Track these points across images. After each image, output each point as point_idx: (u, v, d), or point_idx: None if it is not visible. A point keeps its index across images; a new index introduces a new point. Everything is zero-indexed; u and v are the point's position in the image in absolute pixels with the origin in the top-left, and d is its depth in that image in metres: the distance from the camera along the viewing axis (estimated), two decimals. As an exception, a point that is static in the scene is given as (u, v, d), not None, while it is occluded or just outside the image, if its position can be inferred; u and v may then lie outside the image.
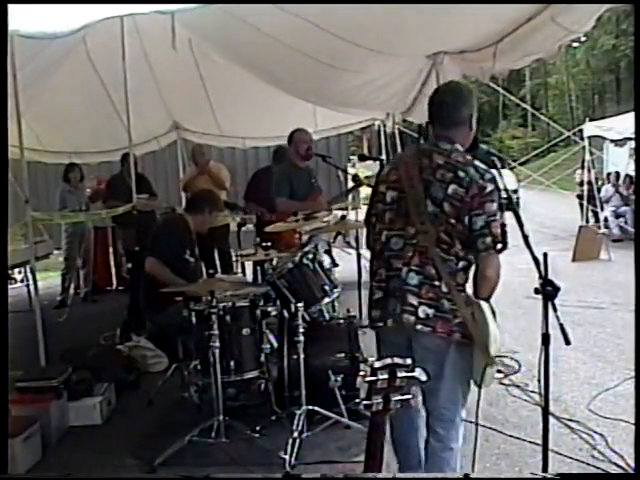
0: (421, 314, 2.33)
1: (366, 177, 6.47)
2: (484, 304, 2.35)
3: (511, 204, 2.58)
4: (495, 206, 2.32)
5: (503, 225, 2.34)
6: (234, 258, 6.77)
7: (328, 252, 5.21)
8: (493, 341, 2.31)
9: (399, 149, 7.99)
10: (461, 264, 2.38)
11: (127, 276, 7.59)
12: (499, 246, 2.33)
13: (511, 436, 3.48)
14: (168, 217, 4.53)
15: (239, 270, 6.75)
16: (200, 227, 4.42)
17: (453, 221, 2.33)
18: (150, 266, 4.10)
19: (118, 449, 3.49)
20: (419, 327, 2.33)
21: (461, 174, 2.32)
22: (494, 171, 2.43)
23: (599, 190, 11.84)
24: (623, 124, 10.53)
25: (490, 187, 2.32)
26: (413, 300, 2.34)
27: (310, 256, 3.88)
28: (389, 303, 2.40)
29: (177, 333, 3.93)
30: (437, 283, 2.34)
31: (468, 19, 3.68)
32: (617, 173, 12.37)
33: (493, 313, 2.37)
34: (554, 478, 1.46)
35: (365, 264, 6.19)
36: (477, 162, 2.39)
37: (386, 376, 1.58)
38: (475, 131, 2.58)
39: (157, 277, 4.01)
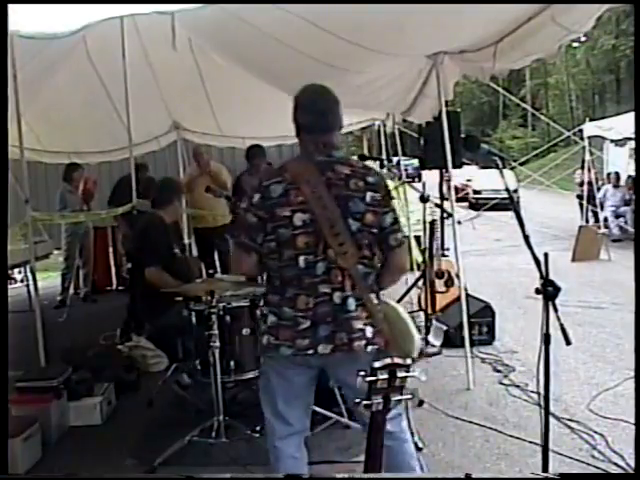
0: (369, 334, 2.25)
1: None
2: (393, 302, 2.39)
3: (512, 204, 2.58)
4: (394, 201, 2.36)
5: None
6: None
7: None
8: (415, 335, 2.39)
9: (399, 149, 8.00)
10: (376, 272, 2.33)
11: (127, 276, 7.59)
12: (405, 239, 2.36)
13: (511, 436, 3.48)
14: (143, 222, 4.51)
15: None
16: (174, 217, 4.50)
17: (375, 230, 2.27)
18: (150, 276, 4.08)
19: (118, 449, 3.50)
20: (369, 349, 2.24)
21: (370, 179, 2.27)
22: (495, 171, 2.43)
23: (599, 190, 11.84)
24: (623, 124, 10.52)
25: (386, 184, 2.34)
26: (359, 324, 2.24)
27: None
28: (319, 331, 2.22)
29: (177, 333, 3.93)
30: (367, 299, 2.27)
31: (468, 19, 3.68)
32: (617, 173, 12.37)
33: None
34: (554, 478, 1.46)
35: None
36: (368, 165, 2.41)
37: (386, 376, 1.58)
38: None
39: (159, 286, 3.99)
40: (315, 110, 2.32)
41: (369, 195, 2.24)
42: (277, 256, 2.26)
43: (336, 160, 2.29)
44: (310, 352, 2.22)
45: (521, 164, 14.91)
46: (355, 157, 6.15)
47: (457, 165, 4.84)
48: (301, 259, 2.23)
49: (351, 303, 2.24)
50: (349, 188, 2.23)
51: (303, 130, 2.33)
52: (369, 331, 2.25)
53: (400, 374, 1.59)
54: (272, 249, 2.26)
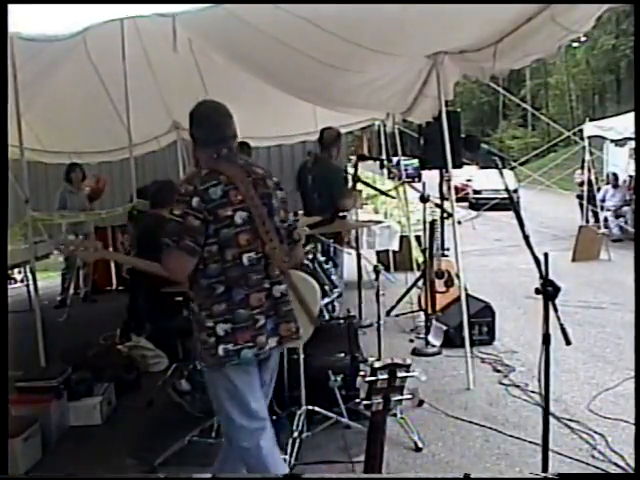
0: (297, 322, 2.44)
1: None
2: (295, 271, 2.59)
3: (512, 204, 2.58)
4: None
5: None
6: None
7: (328, 252, 5.23)
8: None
9: (399, 149, 8.00)
10: None
11: (127, 276, 7.59)
12: None
13: (511, 436, 3.48)
14: (149, 221, 4.48)
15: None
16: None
17: (285, 225, 2.51)
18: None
19: (118, 449, 3.50)
20: (300, 332, 2.47)
21: (275, 179, 2.50)
22: (495, 171, 2.44)
23: (599, 190, 11.84)
24: (623, 124, 10.51)
25: None
26: (295, 313, 2.44)
27: (310, 256, 3.89)
28: (267, 325, 2.33)
29: (178, 333, 3.93)
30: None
31: (468, 19, 3.68)
32: (615, 174, 12.37)
33: None
34: (554, 478, 1.46)
35: (365, 264, 6.21)
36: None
37: (386, 376, 1.58)
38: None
39: (181, 271, 3.95)
40: (209, 124, 2.43)
41: (279, 193, 2.48)
42: (219, 258, 2.29)
43: (251, 163, 2.51)
44: (267, 348, 2.34)
45: (521, 164, 14.92)
46: (354, 157, 6.19)
47: (457, 165, 4.84)
48: (245, 257, 2.31)
49: (287, 294, 2.42)
50: (268, 187, 2.43)
51: (199, 144, 2.45)
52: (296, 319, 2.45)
53: (400, 374, 1.59)
54: (213, 252, 2.29)
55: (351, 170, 5.68)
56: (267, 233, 2.33)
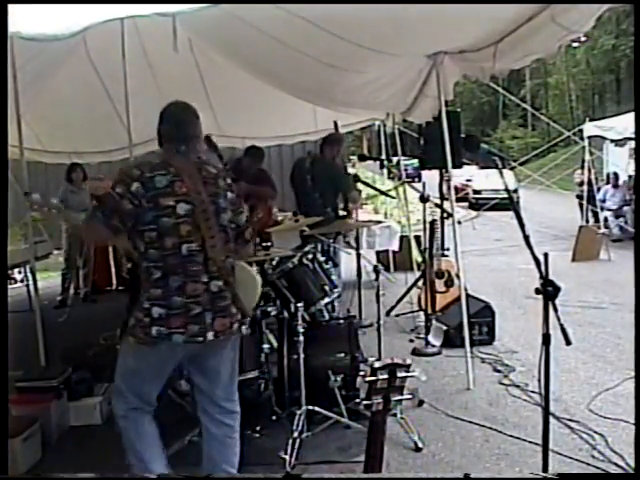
0: (239, 317, 2.54)
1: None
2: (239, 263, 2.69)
3: (512, 204, 2.59)
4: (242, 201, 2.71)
5: None
6: None
7: (328, 252, 5.24)
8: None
9: (399, 149, 8.00)
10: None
11: (127, 276, 7.58)
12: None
13: (511, 436, 3.48)
14: None
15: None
16: None
17: (234, 226, 2.60)
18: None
19: (118, 449, 3.48)
20: (243, 328, 2.59)
21: (228, 180, 2.61)
22: (495, 171, 2.44)
23: (599, 190, 11.84)
24: (623, 124, 10.52)
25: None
26: (233, 309, 2.52)
27: (310, 256, 3.89)
28: (206, 317, 2.42)
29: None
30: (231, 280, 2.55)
31: (468, 19, 3.68)
32: (615, 174, 12.37)
33: None
34: (554, 478, 1.46)
35: (365, 264, 6.21)
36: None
37: (386, 376, 1.58)
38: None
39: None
40: (174, 121, 2.56)
41: (229, 194, 2.57)
42: (159, 245, 2.40)
43: (205, 161, 2.59)
44: (200, 339, 2.41)
45: (521, 164, 14.89)
46: (355, 157, 6.19)
47: (457, 165, 4.84)
48: (184, 247, 2.40)
49: (227, 290, 2.49)
50: (218, 186, 2.53)
51: (164, 139, 2.57)
52: (239, 313, 2.54)
53: (400, 374, 1.59)
54: (153, 238, 2.39)
55: (351, 170, 5.70)
56: (209, 229, 2.43)
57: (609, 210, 11.69)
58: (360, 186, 5.71)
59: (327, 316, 4.11)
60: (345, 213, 5.61)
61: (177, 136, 2.53)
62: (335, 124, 5.85)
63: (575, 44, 32.47)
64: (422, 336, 5.33)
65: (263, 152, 6.07)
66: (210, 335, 2.43)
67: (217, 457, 2.65)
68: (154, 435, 2.68)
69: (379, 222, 8.10)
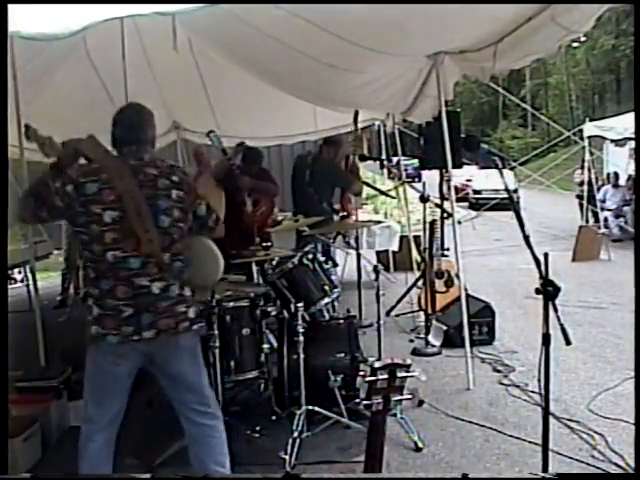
0: (191, 315, 2.54)
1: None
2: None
3: (512, 204, 2.59)
4: (202, 190, 2.70)
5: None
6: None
7: (328, 252, 5.24)
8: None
9: (399, 149, 8.00)
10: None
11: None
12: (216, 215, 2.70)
13: (511, 436, 3.48)
14: None
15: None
16: None
17: (182, 225, 2.55)
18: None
19: (118, 449, 3.48)
20: (194, 327, 2.56)
21: (175, 178, 2.54)
22: (495, 171, 2.44)
23: (599, 190, 11.84)
24: (623, 124, 10.52)
25: (191, 179, 2.65)
26: (181, 308, 2.51)
27: (310, 256, 3.89)
28: (142, 319, 2.42)
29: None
30: (186, 286, 2.56)
31: (468, 19, 3.68)
32: (616, 173, 12.37)
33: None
34: (553, 478, 1.46)
35: (365, 264, 6.21)
36: (173, 163, 2.69)
37: (386, 376, 1.58)
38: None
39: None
40: (125, 125, 2.58)
41: (174, 193, 2.51)
42: (90, 249, 2.43)
43: (146, 163, 2.53)
44: (135, 338, 2.42)
45: (521, 164, 14.91)
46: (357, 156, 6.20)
47: (457, 165, 4.84)
48: (109, 254, 2.40)
49: (173, 290, 2.48)
50: (157, 188, 2.48)
51: (116, 142, 2.59)
52: (193, 312, 2.55)
53: (400, 374, 1.59)
54: (85, 242, 2.44)
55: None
56: (146, 233, 2.41)
57: (609, 210, 11.69)
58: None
59: (327, 316, 4.11)
60: (345, 213, 5.62)
61: (127, 139, 2.54)
62: (355, 114, 5.85)
63: (575, 44, 32.51)
64: (422, 336, 5.33)
65: (260, 152, 6.03)
66: (148, 334, 2.42)
67: (203, 458, 2.63)
68: (100, 461, 2.59)
69: (379, 222, 8.11)
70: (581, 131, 11.42)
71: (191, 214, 2.60)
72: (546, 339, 2.34)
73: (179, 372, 2.57)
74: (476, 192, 19.23)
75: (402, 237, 8.25)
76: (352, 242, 6.18)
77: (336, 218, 5.43)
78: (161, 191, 2.49)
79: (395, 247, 8.21)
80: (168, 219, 2.48)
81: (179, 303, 2.50)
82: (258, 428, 3.50)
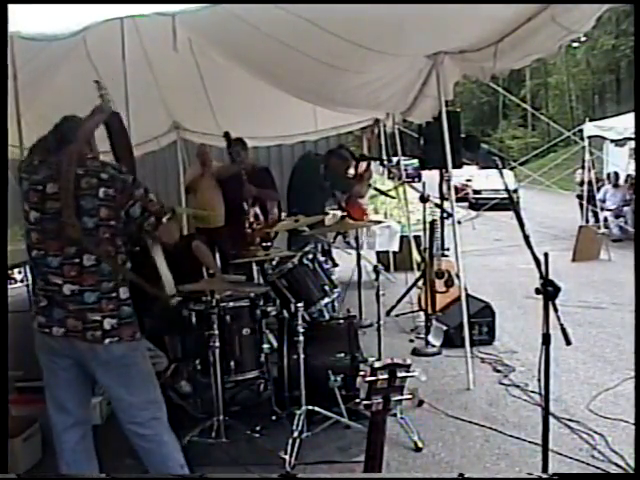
0: (107, 327, 2.40)
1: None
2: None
3: (512, 204, 2.59)
4: (141, 190, 2.48)
5: (151, 199, 2.50)
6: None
7: (328, 252, 5.24)
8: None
9: (399, 149, 8.00)
10: (124, 255, 2.51)
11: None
12: (164, 216, 2.51)
13: (511, 436, 3.48)
14: None
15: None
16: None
17: (113, 223, 2.43)
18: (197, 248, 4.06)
19: (118, 449, 3.49)
20: (107, 341, 2.39)
21: (103, 176, 2.41)
22: (495, 171, 2.44)
23: (599, 190, 11.84)
24: (623, 124, 10.52)
25: (130, 178, 2.47)
26: (95, 316, 2.39)
27: (310, 256, 3.89)
28: (53, 313, 2.42)
29: (176, 332, 3.92)
30: (114, 294, 2.42)
31: (468, 19, 3.68)
32: (616, 173, 12.37)
33: None
34: (550, 478, 1.46)
35: (365, 264, 6.21)
36: (108, 161, 2.56)
37: (386, 376, 1.58)
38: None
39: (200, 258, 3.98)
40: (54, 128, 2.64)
41: (102, 191, 2.39)
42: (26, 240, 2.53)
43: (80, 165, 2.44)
44: (46, 331, 2.43)
45: (521, 164, 14.91)
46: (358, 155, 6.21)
47: (457, 165, 4.84)
48: (33, 252, 2.48)
49: (88, 296, 2.39)
50: (81, 187, 2.38)
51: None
52: (108, 323, 2.39)
53: (400, 374, 1.59)
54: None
55: (351, 171, 5.71)
56: (71, 236, 2.37)
57: (609, 210, 11.69)
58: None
59: (327, 316, 4.11)
60: (345, 213, 5.61)
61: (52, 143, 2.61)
62: (377, 121, 5.91)
63: (575, 44, 32.52)
64: (422, 336, 5.33)
65: (245, 142, 6.06)
66: (57, 331, 2.41)
67: (155, 461, 2.56)
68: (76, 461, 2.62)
69: (379, 222, 8.11)
70: (581, 131, 11.42)
71: (124, 213, 2.45)
72: (546, 339, 2.34)
73: (106, 385, 2.56)
74: (476, 192, 19.23)
75: (402, 237, 8.25)
76: (352, 242, 6.18)
77: (336, 217, 5.44)
78: (85, 191, 2.37)
79: (395, 248, 8.22)
80: (93, 220, 2.38)
81: (93, 311, 2.39)
82: (258, 428, 3.50)
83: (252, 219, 5.61)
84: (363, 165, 6.14)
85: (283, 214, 5.80)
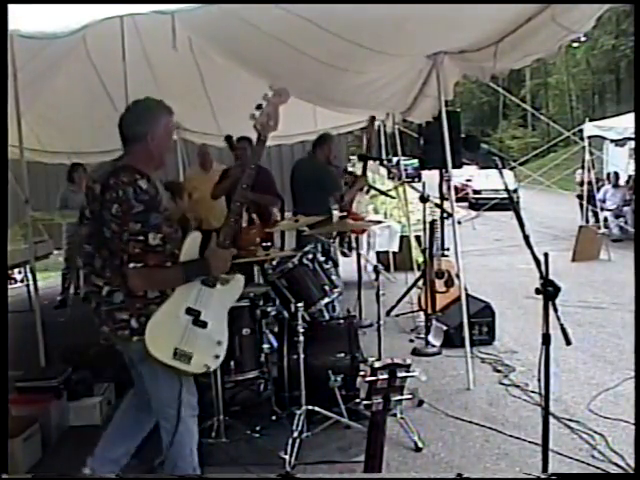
0: (134, 325, 2.42)
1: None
2: None
3: (512, 204, 2.59)
4: (138, 226, 2.34)
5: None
6: None
7: (328, 252, 5.24)
8: None
9: (399, 149, 8.00)
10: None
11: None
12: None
13: (511, 436, 3.48)
14: None
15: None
16: (176, 215, 4.56)
17: (117, 239, 2.35)
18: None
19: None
20: (135, 339, 2.42)
21: (120, 193, 2.33)
22: (495, 171, 2.44)
23: (599, 190, 11.84)
24: (623, 124, 10.52)
25: (139, 208, 2.33)
26: (123, 315, 2.43)
27: (310, 256, 3.89)
28: (100, 313, 2.50)
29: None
30: (141, 293, 2.43)
31: (468, 19, 3.68)
32: (616, 173, 12.37)
33: None
34: (549, 478, 1.46)
35: (365, 264, 6.21)
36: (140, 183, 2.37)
37: (386, 376, 1.58)
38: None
39: None
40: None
41: (115, 207, 2.33)
42: None
43: (113, 169, 2.42)
44: (100, 328, 2.52)
45: (521, 164, 14.89)
46: (355, 157, 6.20)
47: (457, 165, 4.84)
48: (86, 246, 2.50)
49: (117, 297, 2.42)
50: (104, 197, 2.36)
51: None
52: (134, 322, 2.42)
53: (400, 374, 1.59)
54: None
55: (352, 170, 5.70)
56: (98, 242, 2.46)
57: (609, 210, 11.69)
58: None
59: (327, 316, 4.11)
60: (344, 213, 5.61)
61: (120, 137, 2.55)
62: (372, 118, 5.91)
63: (575, 44, 32.47)
64: (422, 336, 5.33)
65: (251, 140, 6.09)
66: (105, 329, 2.50)
67: (169, 456, 2.62)
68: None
69: (379, 222, 8.11)
70: (581, 131, 11.42)
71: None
72: (546, 339, 2.34)
73: (137, 378, 2.68)
74: (476, 192, 19.23)
75: (402, 237, 8.25)
76: (352, 242, 6.17)
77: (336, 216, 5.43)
78: (105, 203, 2.35)
79: (395, 248, 8.22)
80: (108, 231, 2.36)
81: (121, 310, 2.43)
82: (258, 428, 3.50)
83: (245, 224, 5.62)
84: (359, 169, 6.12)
85: (289, 214, 5.80)
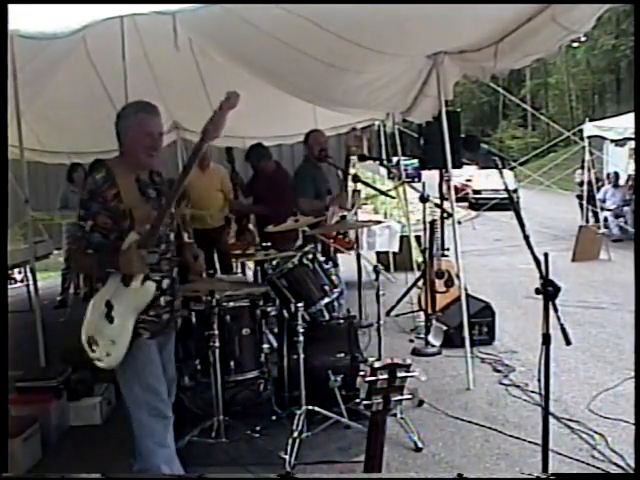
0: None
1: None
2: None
3: (512, 204, 2.59)
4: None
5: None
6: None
7: (328, 252, 5.24)
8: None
9: (399, 149, 8.00)
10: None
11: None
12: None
13: (511, 436, 3.48)
14: None
15: (239, 270, 6.74)
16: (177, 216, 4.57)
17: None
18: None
19: (118, 449, 3.49)
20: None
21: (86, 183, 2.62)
22: (495, 171, 2.44)
23: (599, 190, 11.84)
24: (623, 124, 10.52)
25: (85, 196, 2.57)
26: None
27: (310, 256, 3.88)
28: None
29: (177, 332, 3.92)
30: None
31: (468, 19, 3.68)
32: (616, 173, 12.37)
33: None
34: (549, 478, 1.46)
35: (365, 264, 6.20)
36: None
37: (386, 376, 1.58)
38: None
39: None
40: None
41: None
42: None
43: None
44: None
45: (521, 164, 14.89)
46: (355, 157, 6.19)
47: (457, 165, 4.84)
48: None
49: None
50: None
51: None
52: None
53: (400, 374, 1.59)
54: None
55: (351, 170, 5.68)
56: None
57: (609, 210, 11.69)
58: (360, 186, 5.68)
59: (327, 316, 4.11)
60: (344, 213, 5.59)
61: None
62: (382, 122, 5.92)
63: (575, 44, 32.31)
64: (422, 336, 5.32)
65: (263, 145, 6.11)
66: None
67: None
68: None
69: (379, 222, 8.10)
70: (581, 131, 11.41)
71: None
72: (546, 339, 2.34)
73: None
74: (476, 192, 19.23)
75: (402, 237, 8.25)
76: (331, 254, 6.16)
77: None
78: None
79: (395, 248, 8.21)
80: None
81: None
82: (258, 428, 3.50)
83: (233, 234, 5.66)
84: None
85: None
